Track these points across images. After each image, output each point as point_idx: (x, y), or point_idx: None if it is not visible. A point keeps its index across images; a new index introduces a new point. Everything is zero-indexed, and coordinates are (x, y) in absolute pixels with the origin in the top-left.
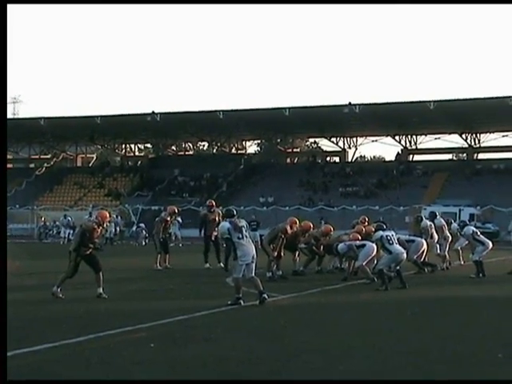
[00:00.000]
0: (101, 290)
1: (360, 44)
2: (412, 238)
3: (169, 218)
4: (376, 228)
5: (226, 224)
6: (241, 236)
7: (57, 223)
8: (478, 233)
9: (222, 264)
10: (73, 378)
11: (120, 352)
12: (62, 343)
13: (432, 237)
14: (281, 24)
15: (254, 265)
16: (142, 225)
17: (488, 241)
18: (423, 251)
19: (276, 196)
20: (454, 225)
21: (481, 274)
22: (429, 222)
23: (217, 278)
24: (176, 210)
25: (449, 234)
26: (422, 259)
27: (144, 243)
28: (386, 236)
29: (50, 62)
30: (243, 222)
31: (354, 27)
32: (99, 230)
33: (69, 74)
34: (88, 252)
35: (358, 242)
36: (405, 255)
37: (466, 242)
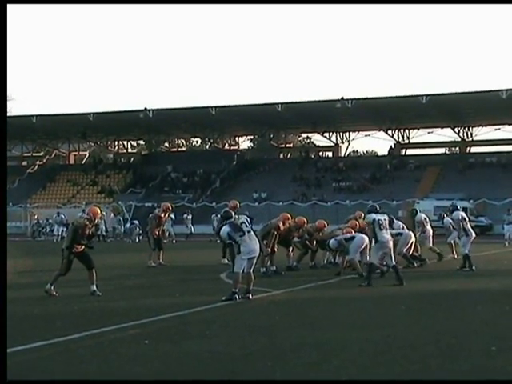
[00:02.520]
0: (94, 288)
1: (352, 39)
2: (400, 231)
3: (163, 215)
4: (369, 209)
5: (225, 229)
6: (242, 234)
7: (50, 221)
8: (467, 220)
9: (226, 260)
10: (67, 375)
11: (114, 349)
12: (55, 341)
13: (425, 230)
14: (273, 20)
15: (254, 260)
16: (136, 222)
17: (472, 232)
18: (411, 244)
19: (269, 191)
20: (447, 219)
21: (467, 267)
22: (423, 216)
23: (211, 274)
24: (170, 207)
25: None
26: (411, 253)
27: (137, 240)
28: (379, 220)
29: (41, 60)
30: (242, 218)
31: (346, 22)
32: (91, 226)
33: (61, 72)
34: (81, 249)
35: (348, 234)
36: (391, 243)
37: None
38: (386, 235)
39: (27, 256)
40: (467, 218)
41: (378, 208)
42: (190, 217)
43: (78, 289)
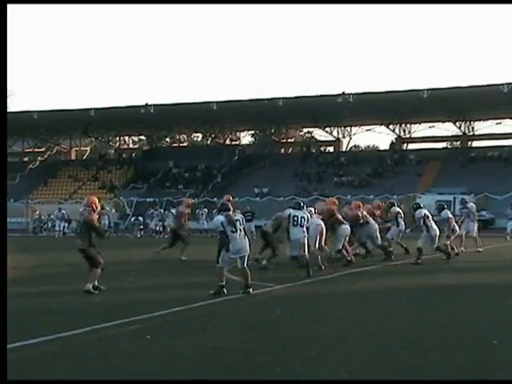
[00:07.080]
0: (89, 287)
1: (353, 33)
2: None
3: (187, 211)
4: (291, 205)
5: (220, 217)
6: (234, 230)
7: (51, 217)
8: (430, 218)
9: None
10: (67, 371)
11: (116, 344)
12: (56, 336)
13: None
14: (274, 15)
15: (246, 257)
16: (141, 219)
17: (436, 228)
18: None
19: (271, 186)
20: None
21: (419, 261)
22: (423, 212)
23: (213, 269)
24: (191, 202)
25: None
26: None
27: (139, 235)
28: (294, 216)
29: (42, 56)
30: (238, 216)
31: (346, 16)
32: (97, 214)
33: (62, 67)
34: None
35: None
36: (304, 240)
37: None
38: (299, 233)
39: (28, 252)
40: (430, 216)
41: (301, 204)
42: (203, 212)
43: (80, 285)
